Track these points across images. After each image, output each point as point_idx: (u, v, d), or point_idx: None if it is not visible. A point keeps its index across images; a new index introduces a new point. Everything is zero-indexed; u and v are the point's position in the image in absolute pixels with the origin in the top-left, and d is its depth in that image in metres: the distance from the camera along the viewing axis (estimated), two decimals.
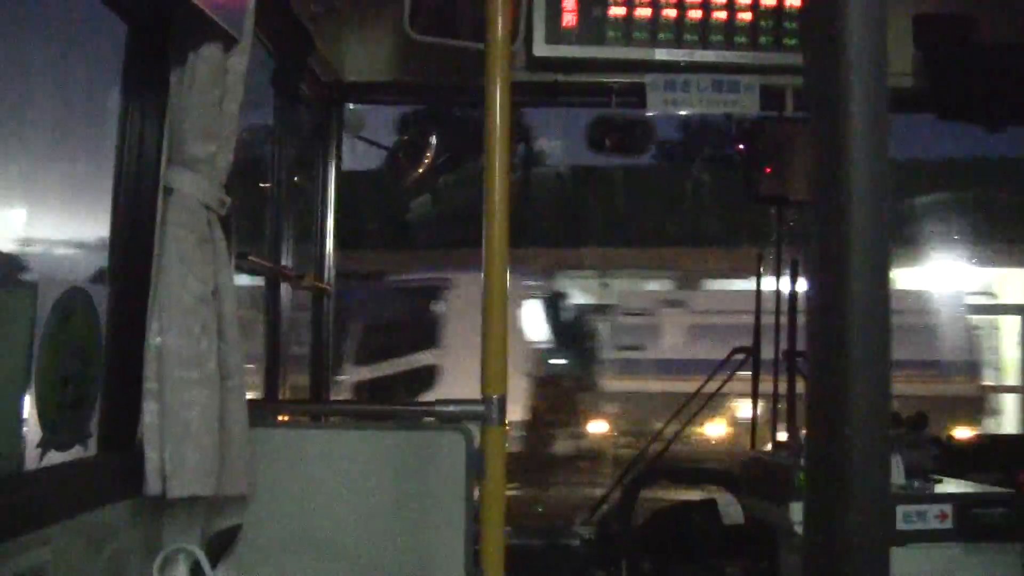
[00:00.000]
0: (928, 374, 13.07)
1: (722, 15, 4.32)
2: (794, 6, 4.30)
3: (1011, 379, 12.32)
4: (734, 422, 13.06)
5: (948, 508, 3.54)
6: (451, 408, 2.80)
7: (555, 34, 4.27)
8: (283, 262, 4.12)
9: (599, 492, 5.72)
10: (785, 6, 4.33)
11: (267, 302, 4.10)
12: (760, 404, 5.29)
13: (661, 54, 4.32)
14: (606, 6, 4.29)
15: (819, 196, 1.02)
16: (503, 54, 2.65)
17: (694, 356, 12.59)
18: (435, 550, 2.89)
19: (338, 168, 4.80)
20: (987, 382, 12.97)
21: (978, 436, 6.21)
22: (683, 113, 4.61)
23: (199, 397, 2.43)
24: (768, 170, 4.82)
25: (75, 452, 2.30)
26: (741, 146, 5.18)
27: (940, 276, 14.96)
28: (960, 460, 4.41)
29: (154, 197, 2.55)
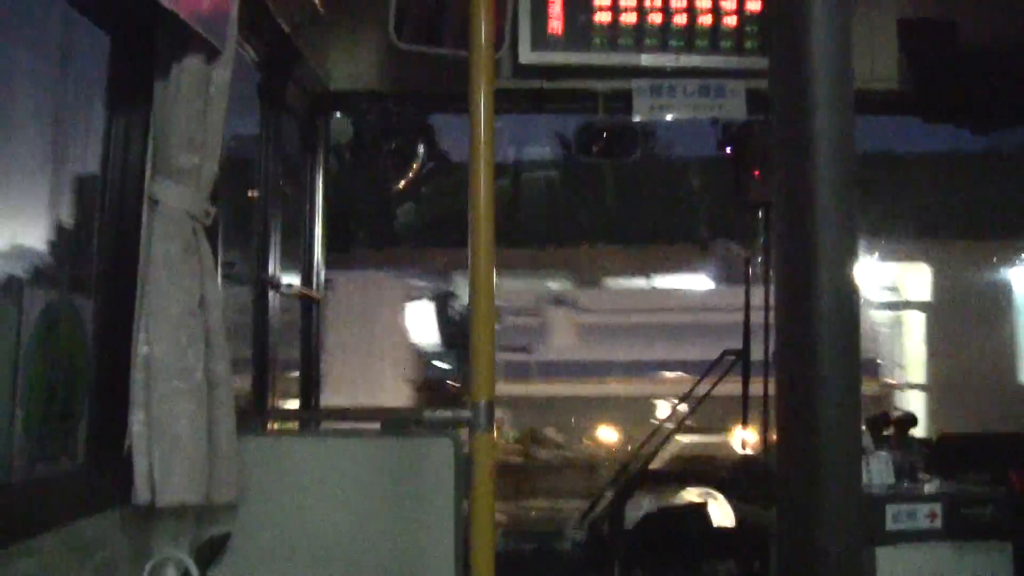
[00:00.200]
0: None
1: (708, 20, 4.33)
2: None
3: (915, 377, 12.13)
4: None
5: (938, 507, 3.55)
6: (439, 414, 2.81)
7: (541, 41, 4.27)
8: (270, 271, 4.12)
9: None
10: None
11: (255, 311, 4.10)
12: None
13: (647, 59, 4.33)
14: (592, 12, 4.29)
15: (783, 199, 1.02)
16: (488, 61, 2.65)
17: (585, 358, 12.16)
18: (425, 556, 2.90)
19: (325, 177, 4.81)
20: (890, 380, 12.76)
21: (969, 435, 6.22)
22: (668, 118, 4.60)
23: (187, 407, 2.44)
24: (756, 174, 4.84)
25: (63, 462, 2.31)
26: (729, 150, 5.20)
27: None
28: (951, 460, 4.42)
29: (139, 208, 2.56)
